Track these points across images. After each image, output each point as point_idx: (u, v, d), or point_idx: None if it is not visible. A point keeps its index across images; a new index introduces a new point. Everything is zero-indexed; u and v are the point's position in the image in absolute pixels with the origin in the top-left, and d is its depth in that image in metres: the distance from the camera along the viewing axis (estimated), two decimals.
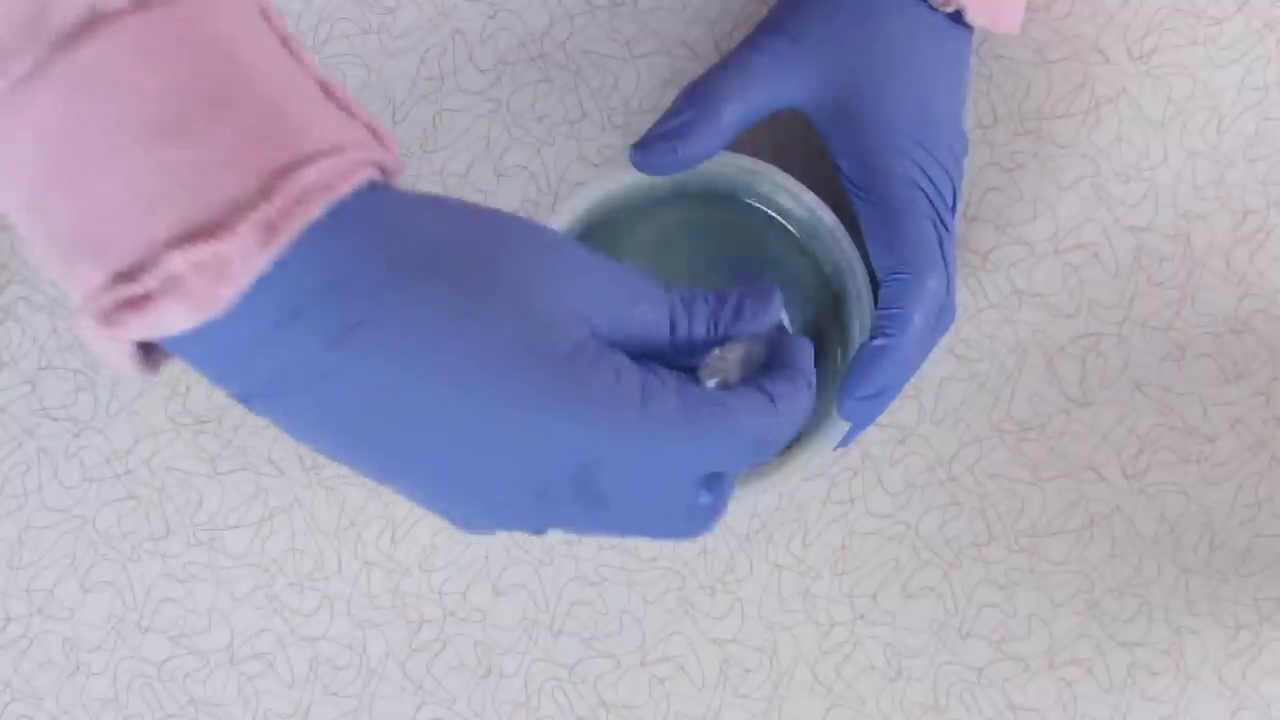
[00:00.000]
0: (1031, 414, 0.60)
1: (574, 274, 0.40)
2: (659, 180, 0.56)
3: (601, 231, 0.57)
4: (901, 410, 0.60)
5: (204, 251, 0.36)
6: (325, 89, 0.40)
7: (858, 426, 0.56)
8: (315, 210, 0.37)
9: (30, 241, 0.38)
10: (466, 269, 0.38)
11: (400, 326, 0.37)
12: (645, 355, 0.42)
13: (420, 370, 0.37)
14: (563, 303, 0.39)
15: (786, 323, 0.58)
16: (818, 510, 0.60)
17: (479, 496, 0.39)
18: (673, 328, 0.42)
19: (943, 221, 0.54)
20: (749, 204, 0.58)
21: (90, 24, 0.36)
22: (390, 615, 0.60)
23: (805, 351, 0.44)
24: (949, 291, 0.55)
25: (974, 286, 0.61)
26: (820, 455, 0.56)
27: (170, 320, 0.37)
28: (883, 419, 0.60)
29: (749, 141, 0.61)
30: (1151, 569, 0.60)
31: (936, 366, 0.60)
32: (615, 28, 0.61)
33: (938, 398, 0.60)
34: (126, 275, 0.36)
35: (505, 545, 0.60)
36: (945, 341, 0.60)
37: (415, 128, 0.61)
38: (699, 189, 0.57)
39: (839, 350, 0.58)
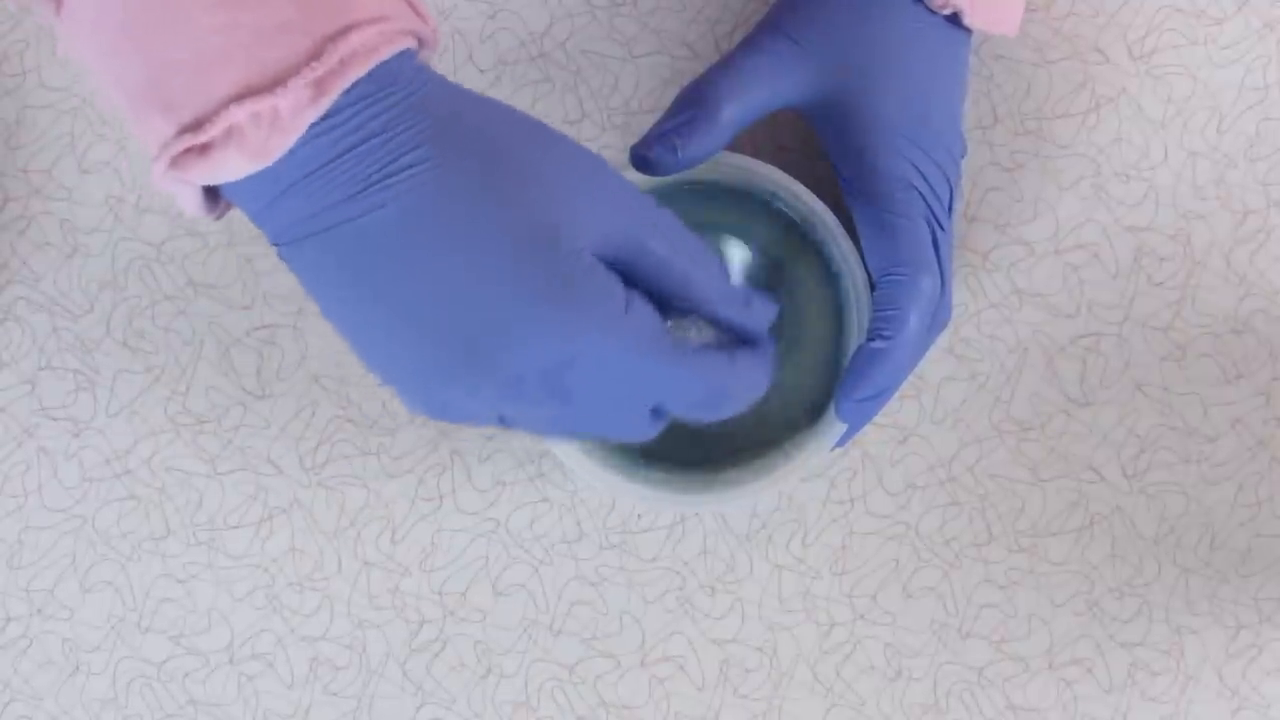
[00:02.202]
0: (1031, 414, 0.60)
1: (601, 195, 0.43)
2: (660, 181, 0.56)
3: None
4: (901, 410, 0.60)
5: (260, 105, 0.40)
6: None
7: (854, 427, 0.56)
8: (360, 71, 0.41)
9: (108, 92, 0.43)
10: (499, 154, 0.42)
11: (423, 189, 0.41)
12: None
13: (431, 234, 0.41)
14: (579, 212, 0.43)
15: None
16: (818, 510, 0.60)
17: (451, 367, 0.42)
18: (689, 286, 0.45)
19: (939, 222, 0.54)
20: (748, 204, 0.58)
21: None
22: (390, 615, 0.60)
23: (770, 346, 0.48)
24: (944, 292, 0.55)
25: (974, 286, 0.61)
26: (818, 455, 0.56)
27: (230, 167, 0.41)
28: (883, 419, 0.60)
29: (749, 141, 0.61)
30: (1151, 569, 0.60)
31: (936, 366, 0.60)
32: (615, 28, 0.61)
33: (938, 398, 0.60)
34: (192, 126, 0.41)
35: (505, 545, 0.60)
36: (945, 341, 0.60)
37: None
38: (699, 189, 0.57)
39: (837, 351, 0.58)
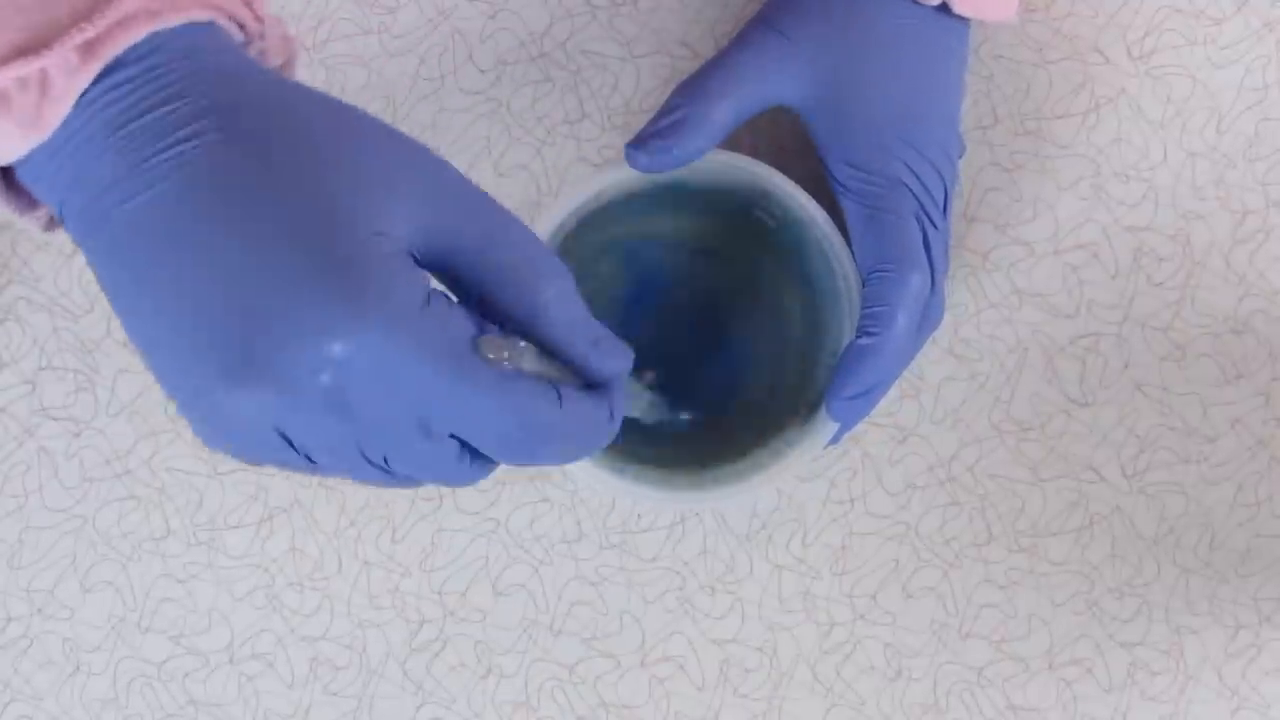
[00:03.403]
0: (1031, 414, 0.60)
1: (416, 180, 0.39)
2: (653, 179, 0.56)
3: (594, 227, 0.57)
4: (901, 410, 0.60)
5: (26, 69, 0.37)
6: None
7: (846, 425, 0.56)
8: (137, 34, 0.38)
9: None
10: (293, 133, 0.38)
11: (199, 165, 0.38)
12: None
13: (204, 214, 0.37)
14: (384, 198, 0.38)
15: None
16: (818, 510, 0.60)
17: (223, 365, 0.37)
18: (538, 295, 0.40)
19: (930, 219, 0.54)
20: (742, 203, 0.58)
21: None
22: (390, 615, 0.60)
23: (618, 396, 0.42)
24: (935, 289, 0.55)
25: (974, 286, 0.61)
26: (811, 453, 0.56)
27: (3, 138, 0.38)
28: (882, 419, 0.60)
29: (748, 141, 0.61)
30: (1151, 569, 0.60)
31: (936, 366, 0.60)
32: (615, 28, 0.61)
33: (938, 398, 0.60)
34: None
35: (505, 545, 0.60)
36: (945, 341, 0.60)
37: (415, 128, 0.61)
38: (693, 187, 0.57)
39: (828, 350, 0.58)
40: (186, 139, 0.38)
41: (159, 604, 0.60)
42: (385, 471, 0.40)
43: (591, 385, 0.41)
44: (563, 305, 0.40)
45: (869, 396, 0.55)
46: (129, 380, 0.60)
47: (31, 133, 0.38)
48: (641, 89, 0.61)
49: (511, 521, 0.60)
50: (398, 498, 0.60)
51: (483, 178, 0.61)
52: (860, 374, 0.54)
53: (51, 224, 0.43)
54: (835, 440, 0.56)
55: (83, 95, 0.39)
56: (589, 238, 0.57)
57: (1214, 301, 0.60)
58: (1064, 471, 0.60)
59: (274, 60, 0.44)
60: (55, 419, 0.60)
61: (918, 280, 0.54)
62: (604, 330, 0.41)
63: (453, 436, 0.40)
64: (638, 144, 0.53)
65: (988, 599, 0.60)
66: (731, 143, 0.60)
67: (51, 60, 0.38)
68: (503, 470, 0.60)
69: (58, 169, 0.39)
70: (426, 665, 0.60)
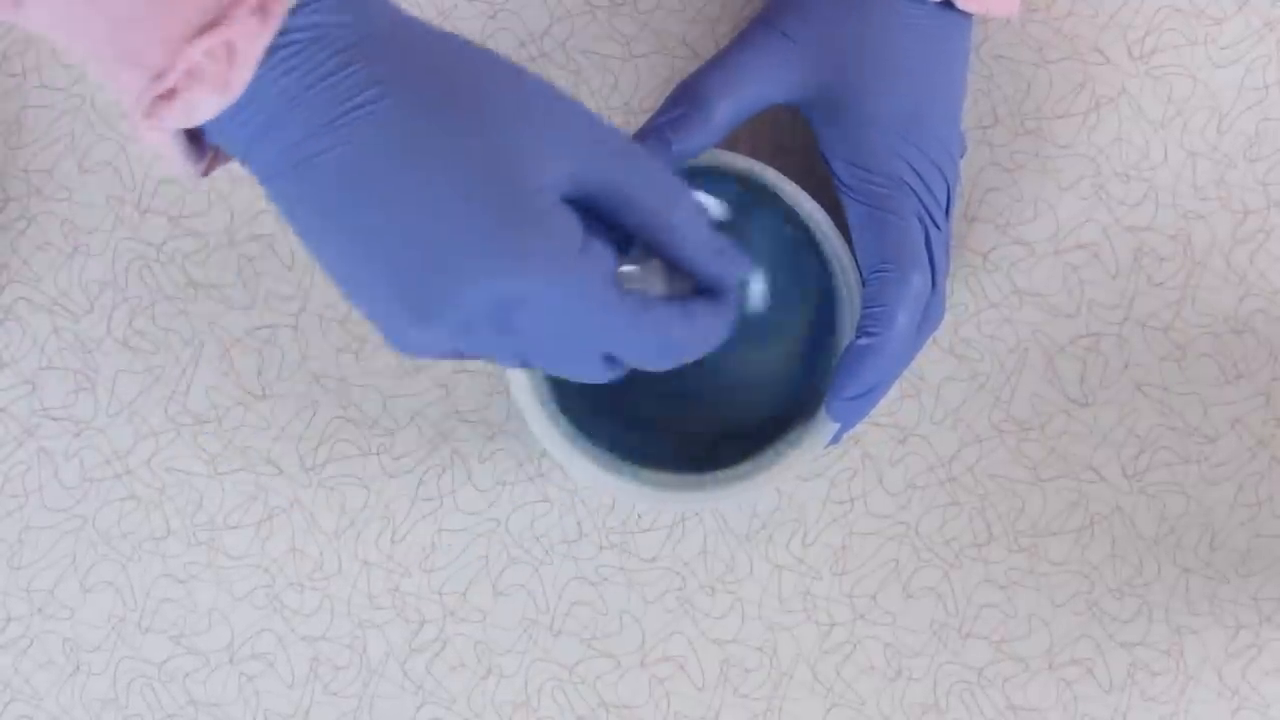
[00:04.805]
0: (1031, 414, 0.60)
1: (564, 125, 0.44)
2: None
3: None
4: (901, 410, 0.60)
5: (213, 40, 0.41)
6: None
7: (846, 425, 0.56)
8: None
9: (80, 59, 0.44)
10: (458, 88, 0.43)
11: (382, 123, 0.42)
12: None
13: (390, 167, 0.42)
14: (543, 146, 0.43)
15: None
16: (818, 510, 0.60)
17: (405, 300, 0.43)
18: (670, 225, 0.45)
19: (932, 219, 0.54)
20: (742, 202, 0.58)
21: None
22: (390, 615, 0.60)
23: (733, 298, 0.48)
24: (936, 289, 0.55)
25: (974, 286, 0.61)
26: (811, 453, 0.56)
27: (201, 108, 0.42)
28: (883, 419, 0.60)
29: (748, 141, 0.61)
30: (1151, 569, 0.60)
31: (936, 366, 0.60)
32: (615, 28, 0.61)
33: (938, 398, 0.60)
34: (158, 74, 0.42)
35: (505, 545, 0.60)
36: (945, 341, 0.60)
37: None
38: (693, 186, 0.57)
39: (829, 350, 0.58)
40: (367, 102, 0.42)
41: (159, 604, 0.60)
42: (529, 364, 0.47)
43: (710, 289, 0.47)
44: (691, 225, 0.46)
45: (869, 396, 0.55)
46: (129, 380, 0.60)
47: (224, 97, 0.42)
48: (641, 89, 0.61)
49: (511, 522, 0.60)
50: (398, 497, 0.60)
51: None
52: (860, 374, 0.54)
53: (210, 168, 0.47)
54: (835, 440, 0.56)
55: (264, 57, 0.42)
56: None
57: (1214, 301, 0.60)
58: (1064, 471, 0.60)
59: None
60: (55, 419, 0.60)
61: (919, 280, 0.54)
62: (724, 241, 0.47)
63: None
64: (638, 140, 0.53)
65: (988, 599, 0.60)
66: (731, 142, 0.60)
67: (235, 30, 0.41)
68: (503, 470, 0.60)
69: (242, 125, 0.43)
70: (426, 665, 0.60)
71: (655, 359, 0.46)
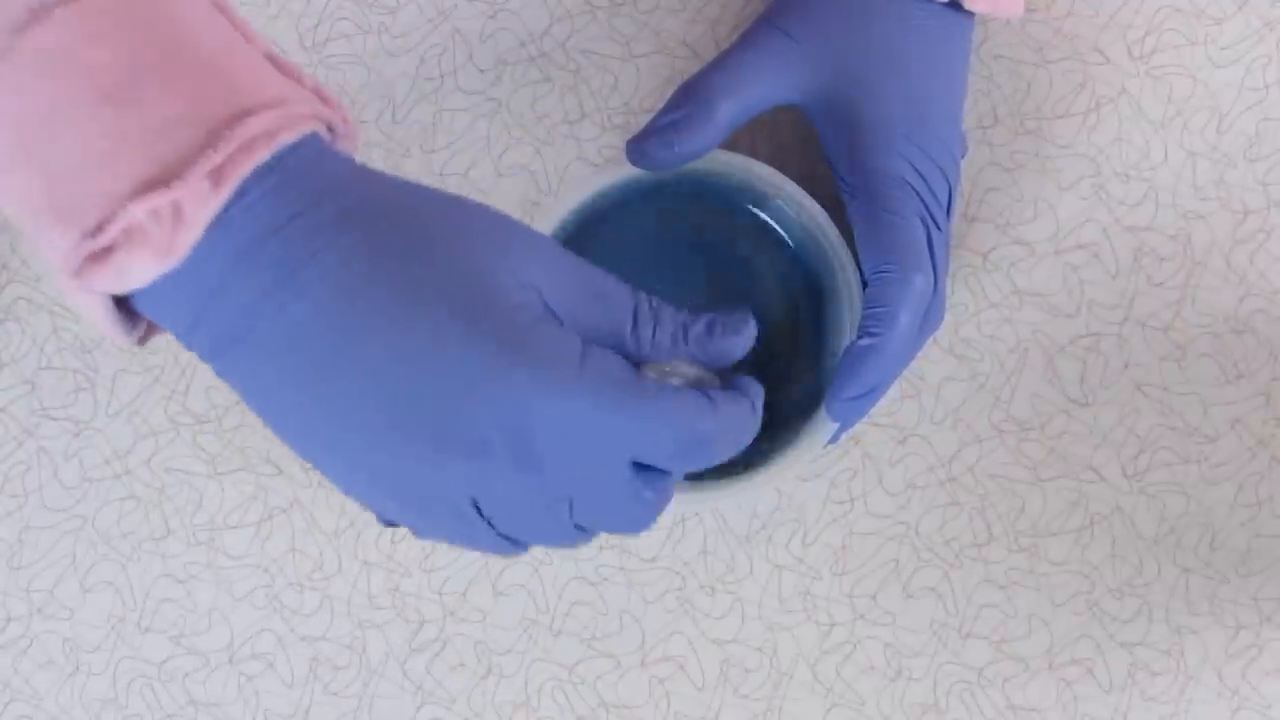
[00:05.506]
0: (1031, 414, 0.60)
1: (528, 251, 0.41)
2: (656, 178, 0.56)
3: (595, 227, 0.57)
4: (901, 410, 0.60)
5: (158, 200, 0.38)
6: (272, 59, 0.43)
7: (846, 425, 0.56)
8: (261, 155, 0.39)
9: (13, 217, 0.40)
10: (419, 226, 0.40)
11: (342, 272, 0.39)
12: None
13: (361, 317, 0.39)
14: (512, 270, 0.41)
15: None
16: (818, 510, 0.60)
17: (410, 450, 0.40)
18: (635, 326, 0.43)
19: (934, 220, 0.54)
20: (743, 202, 0.58)
21: (44, 9, 0.38)
22: (390, 615, 0.60)
23: (756, 388, 0.45)
24: (937, 290, 0.55)
25: (974, 286, 0.61)
26: (810, 452, 0.56)
27: (136, 270, 0.39)
28: (883, 419, 0.60)
29: (749, 141, 0.61)
30: (1151, 569, 0.60)
31: (936, 366, 0.60)
32: (615, 28, 0.61)
33: (938, 398, 0.60)
34: (92, 231, 0.39)
35: None
36: (945, 341, 0.60)
37: (415, 128, 0.61)
38: (694, 187, 0.57)
39: (829, 350, 0.58)
40: (322, 250, 0.39)
41: (159, 604, 0.60)
42: (571, 528, 0.43)
43: (723, 371, 0.45)
44: (647, 324, 0.43)
45: (869, 397, 0.55)
46: (129, 380, 0.60)
47: (164, 260, 0.39)
48: (641, 89, 0.61)
49: None
50: None
51: (483, 177, 0.61)
52: (861, 375, 0.54)
53: (146, 337, 0.44)
54: (835, 440, 0.56)
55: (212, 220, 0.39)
56: (589, 238, 0.57)
57: (1214, 301, 0.60)
58: (1064, 471, 0.60)
59: (351, 146, 0.45)
60: (55, 419, 0.60)
61: (921, 281, 0.53)
62: (710, 317, 0.44)
63: (633, 464, 0.42)
64: (639, 142, 0.53)
65: (988, 599, 0.60)
66: (731, 143, 0.60)
67: (184, 191, 0.38)
68: None
69: (182, 291, 0.40)
70: (426, 665, 0.60)
71: (682, 455, 0.42)
